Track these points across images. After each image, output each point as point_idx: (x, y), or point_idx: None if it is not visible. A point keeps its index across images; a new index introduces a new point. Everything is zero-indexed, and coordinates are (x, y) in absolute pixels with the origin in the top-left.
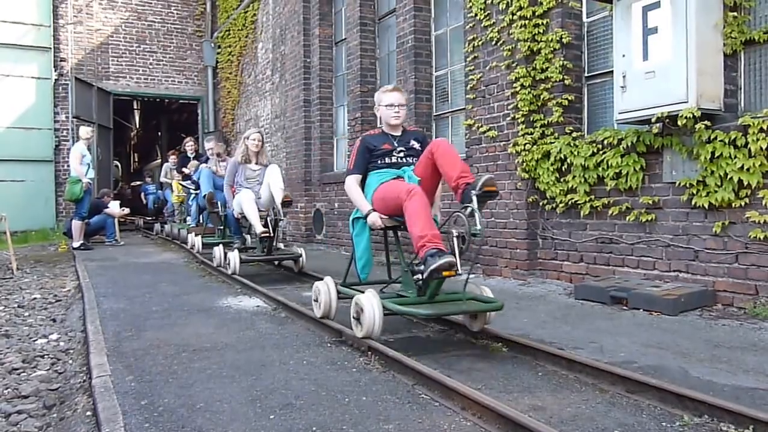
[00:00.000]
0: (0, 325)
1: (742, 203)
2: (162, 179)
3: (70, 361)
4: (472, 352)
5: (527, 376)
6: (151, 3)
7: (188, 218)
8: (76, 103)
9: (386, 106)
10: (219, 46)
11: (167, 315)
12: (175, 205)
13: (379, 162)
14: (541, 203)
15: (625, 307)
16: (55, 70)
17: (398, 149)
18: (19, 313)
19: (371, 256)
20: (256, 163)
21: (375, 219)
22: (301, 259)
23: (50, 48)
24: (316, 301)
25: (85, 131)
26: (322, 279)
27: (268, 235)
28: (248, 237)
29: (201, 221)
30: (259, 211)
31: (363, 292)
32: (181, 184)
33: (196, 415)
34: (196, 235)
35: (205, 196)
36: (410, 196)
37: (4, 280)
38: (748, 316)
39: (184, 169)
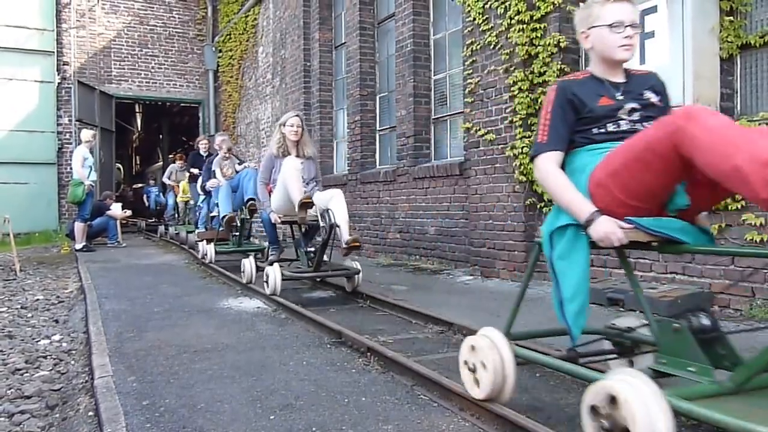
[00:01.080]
0: (3, 326)
1: (739, 206)
2: (165, 180)
3: (73, 362)
4: None
5: (525, 377)
6: (153, 7)
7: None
8: (78, 106)
9: (610, 26)
10: (220, 50)
11: (168, 316)
12: (181, 204)
13: (594, 131)
14: (538, 206)
15: (621, 309)
16: (58, 74)
17: (627, 106)
18: (22, 314)
19: (588, 295)
20: (297, 156)
21: (611, 230)
22: (357, 276)
23: (53, 52)
24: (472, 370)
25: (87, 134)
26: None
27: (309, 201)
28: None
29: (211, 225)
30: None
31: (602, 371)
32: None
33: (197, 415)
34: (208, 242)
35: (243, 208)
36: (689, 116)
37: (7, 281)
38: (745, 318)
39: (193, 170)
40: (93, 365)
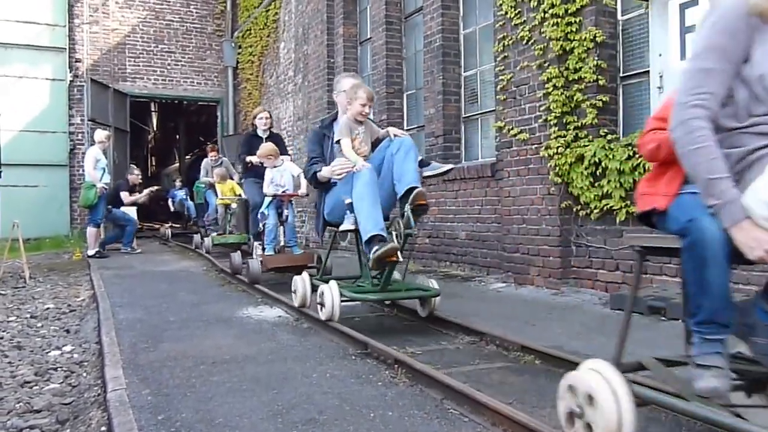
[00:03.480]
0: (12, 336)
1: None
2: (204, 180)
3: (85, 374)
4: (503, 365)
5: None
6: (169, 1)
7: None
8: (91, 105)
9: None
10: (239, 46)
11: (185, 326)
12: (221, 209)
13: None
14: (574, 209)
15: (663, 318)
16: (70, 72)
17: None
18: (32, 323)
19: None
20: None
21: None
22: None
23: (65, 48)
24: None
25: (101, 135)
26: None
27: None
28: None
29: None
30: None
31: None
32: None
33: (215, 430)
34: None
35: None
36: None
37: (16, 289)
38: None
39: (252, 158)
40: (106, 377)
